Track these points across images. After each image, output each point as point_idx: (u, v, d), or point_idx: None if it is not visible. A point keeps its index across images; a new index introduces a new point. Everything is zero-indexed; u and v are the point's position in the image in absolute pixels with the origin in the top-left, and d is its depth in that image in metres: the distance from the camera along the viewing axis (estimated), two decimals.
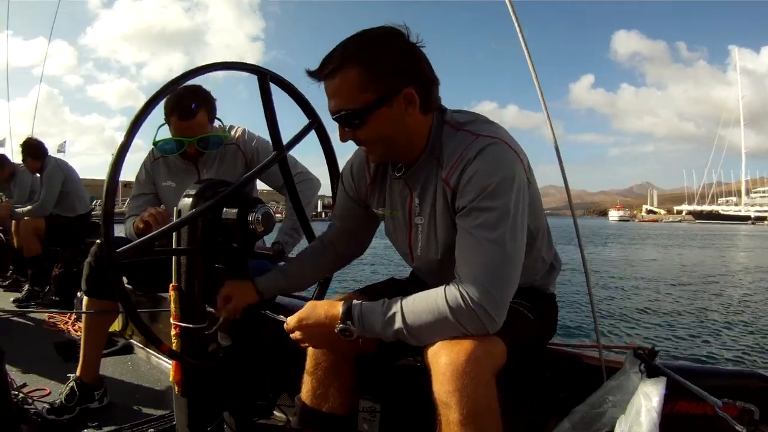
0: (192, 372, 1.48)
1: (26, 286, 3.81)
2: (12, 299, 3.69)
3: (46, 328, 3.13)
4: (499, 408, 0.97)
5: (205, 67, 1.29)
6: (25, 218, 3.85)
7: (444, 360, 0.94)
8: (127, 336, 2.71)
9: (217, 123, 2.00)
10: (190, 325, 1.45)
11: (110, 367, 2.12)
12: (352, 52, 1.04)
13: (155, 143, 1.94)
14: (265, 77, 1.43)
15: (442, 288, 1.00)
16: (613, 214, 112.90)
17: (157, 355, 2.50)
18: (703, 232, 47.96)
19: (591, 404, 1.16)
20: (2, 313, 3.26)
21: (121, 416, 1.90)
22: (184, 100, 1.82)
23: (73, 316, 3.28)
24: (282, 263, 1.56)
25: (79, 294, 3.20)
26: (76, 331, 3.07)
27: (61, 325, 3.17)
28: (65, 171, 3.97)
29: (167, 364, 1.61)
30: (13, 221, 3.92)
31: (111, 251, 1.11)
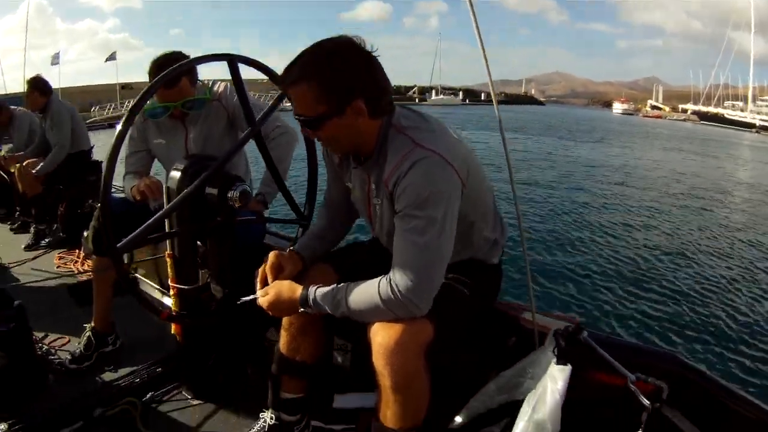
0: (189, 326, 1.74)
1: (32, 228, 3.96)
2: (23, 246, 3.82)
3: (58, 270, 3.35)
4: (426, 375, 1.21)
5: (183, 64, 1.47)
6: (26, 162, 3.93)
7: (378, 340, 1.18)
8: (132, 271, 2.88)
9: (200, 81, 2.11)
10: (186, 287, 1.69)
11: (118, 304, 2.25)
12: (309, 67, 1.15)
13: (144, 110, 2.05)
14: (234, 62, 1.56)
15: (377, 281, 1.20)
16: (617, 107, 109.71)
17: (160, 288, 2.74)
18: (706, 135, 46.34)
19: (515, 372, 1.31)
20: (15, 264, 3.44)
21: (133, 356, 2.16)
22: (166, 69, 1.93)
23: (82, 254, 3.52)
24: (308, 233, 1.68)
25: (85, 233, 3.40)
26: (86, 269, 3.31)
27: (71, 265, 3.42)
28: (69, 109, 4.01)
29: (169, 298, 1.84)
30: (18, 165, 3.95)
31: (113, 246, 1.31)
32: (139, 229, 1.34)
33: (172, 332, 1.86)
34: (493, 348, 1.62)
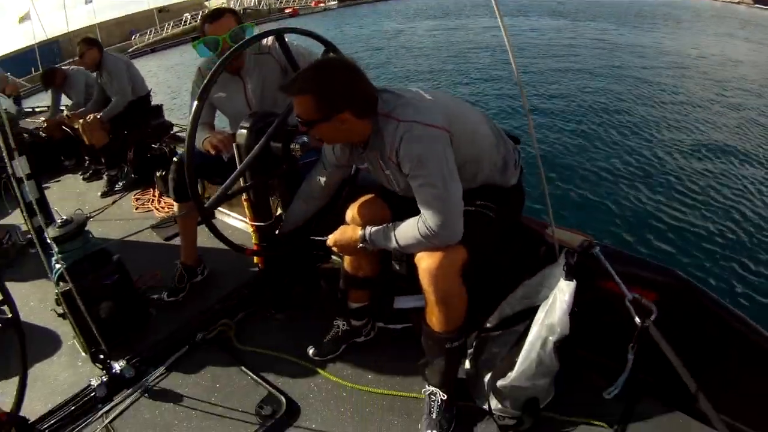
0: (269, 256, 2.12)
1: (104, 175, 4.29)
2: (99, 193, 4.16)
3: (137, 211, 3.72)
4: (463, 289, 1.53)
5: (240, 45, 1.72)
6: (88, 118, 4.09)
7: (423, 265, 1.51)
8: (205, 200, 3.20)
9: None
10: (263, 223, 2.03)
11: (198, 236, 2.49)
12: (309, 82, 1.46)
13: (194, 46, 2.17)
14: (281, 35, 1.89)
15: (416, 222, 1.50)
16: None
17: (236, 216, 3.07)
18: (760, 21, 41.23)
19: (536, 281, 1.55)
20: (96, 212, 3.80)
21: (221, 282, 2.52)
22: (220, 18, 2.12)
23: (157, 193, 3.91)
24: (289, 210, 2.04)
25: (158, 173, 3.75)
26: (162, 207, 3.71)
27: (149, 204, 3.79)
28: (124, 60, 4.21)
29: (245, 225, 2.10)
30: (81, 121, 4.13)
31: (202, 208, 1.69)
32: (219, 190, 1.72)
33: (254, 260, 2.23)
34: (523, 257, 1.86)
